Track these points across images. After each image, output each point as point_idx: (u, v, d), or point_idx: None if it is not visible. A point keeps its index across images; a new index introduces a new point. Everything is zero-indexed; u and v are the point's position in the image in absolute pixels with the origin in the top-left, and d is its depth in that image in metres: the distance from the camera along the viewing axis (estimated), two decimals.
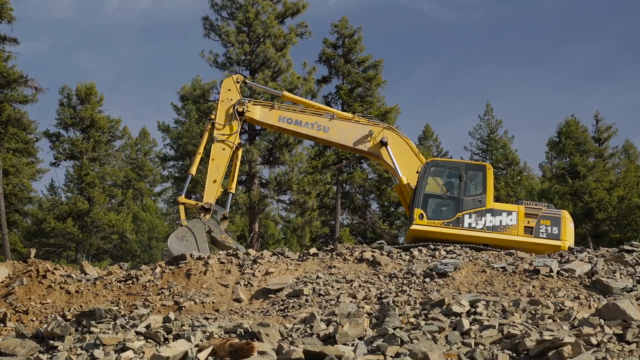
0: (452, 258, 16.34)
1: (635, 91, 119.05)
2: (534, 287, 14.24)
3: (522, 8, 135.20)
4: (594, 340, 10.37)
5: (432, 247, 17.87)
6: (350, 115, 22.37)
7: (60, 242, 45.93)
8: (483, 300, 12.74)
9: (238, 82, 21.99)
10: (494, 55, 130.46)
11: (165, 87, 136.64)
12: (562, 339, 10.14)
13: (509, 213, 19.57)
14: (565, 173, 53.03)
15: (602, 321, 11.22)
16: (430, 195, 19.91)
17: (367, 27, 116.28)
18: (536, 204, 20.05)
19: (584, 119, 53.91)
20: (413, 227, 19.38)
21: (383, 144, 20.95)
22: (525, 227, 19.40)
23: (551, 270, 14.87)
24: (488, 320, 11.66)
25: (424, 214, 19.51)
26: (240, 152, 22.30)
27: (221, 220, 20.83)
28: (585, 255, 16.15)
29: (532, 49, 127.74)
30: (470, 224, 19.37)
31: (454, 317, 12.03)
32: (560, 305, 12.66)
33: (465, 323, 11.55)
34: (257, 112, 21.71)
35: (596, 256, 16.23)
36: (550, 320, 11.73)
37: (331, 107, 42.94)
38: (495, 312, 12.24)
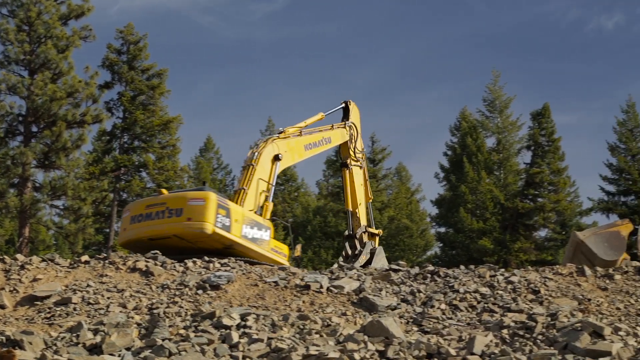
0: (225, 271, 16.39)
1: (409, 116, 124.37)
2: (304, 302, 14.51)
3: (304, 29, 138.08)
4: (357, 356, 10.70)
5: (206, 259, 17.84)
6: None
7: None
8: (254, 313, 12.85)
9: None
10: (277, 72, 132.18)
11: None
12: (327, 354, 10.42)
13: None
14: (340, 191, 54.41)
15: (366, 337, 11.60)
16: None
17: (152, 36, 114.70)
18: None
19: None
20: None
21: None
22: None
23: (321, 286, 15.21)
24: (257, 334, 11.76)
25: None
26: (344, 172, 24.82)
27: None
28: (355, 273, 16.65)
29: (313, 70, 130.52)
30: None
31: (224, 330, 12.05)
32: (328, 320, 12.96)
33: (235, 336, 11.60)
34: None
35: (365, 274, 16.77)
36: (318, 335, 11.99)
37: (112, 113, 42.37)
38: (265, 325, 12.38)
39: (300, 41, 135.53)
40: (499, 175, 51.81)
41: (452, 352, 11.04)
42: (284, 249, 20.65)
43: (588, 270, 17.21)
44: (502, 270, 17.65)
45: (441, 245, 52.87)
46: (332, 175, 57.48)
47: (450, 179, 51.25)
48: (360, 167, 24.82)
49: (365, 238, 23.97)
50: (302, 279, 15.75)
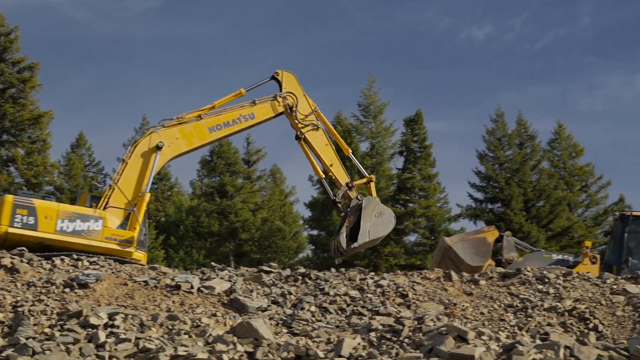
0: (94, 269, 16.11)
1: (284, 118, 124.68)
2: (173, 302, 14.40)
3: (181, 28, 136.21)
4: (226, 357, 10.70)
5: (75, 257, 17.52)
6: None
7: None
8: (122, 313, 12.67)
9: None
10: (153, 70, 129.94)
11: None
12: (196, 355, 10.37)
13: None
14: (214, 192, 54.25)
15: (235, 339, 11.60)
16: None
17: (24, 29, 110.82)
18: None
19: (236, 141, 55.47)
20: None
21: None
22: None
23: (192, 287, 15.13)
24: (125, 334, 11.61)
25: None
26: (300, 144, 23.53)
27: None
28: (226, 274, 16.61)
29: (189, 69, 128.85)
30: None
31: (90, 329, 11.84)
32: (198, 321, 12.90)
33: (102, 336, 11.41)
34: None
35: (236, 275, 16.77)
36: (187, 336, 11.92)
37: None
38: (133, 325, 12.22)
39: (177, 39, 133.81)
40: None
41: (321, 354, 11.15)
42: (127, 235, 20.38)
43: (454, 276, 17.68)
44: (372, 273, 17.94)
45: (313, 247, 53.14)
46: (206, 175, 57.14)
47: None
48: (317, 129, 23.48)
49: (353, 194, 23.07)
50: (172, 279, 15.63)
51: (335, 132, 24.77)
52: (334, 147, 23.76)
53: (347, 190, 23.10)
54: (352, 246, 21.79)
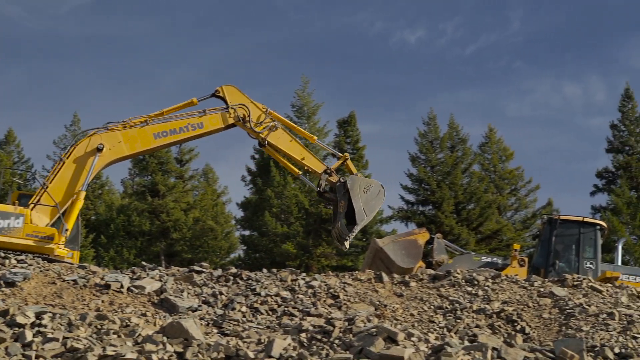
0: (22, 267, 15.85)
1: None
2: (103, 301, 14.24)
3: (113, 26, 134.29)
4: (155, 357, 10.60)
5: (2, 255, 17.24)
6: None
7: None
8: (50, 312, 12.49)
9: None
10: (84, 68, 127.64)
11: None
12: (125, 355, 10.28)
13: None
14: (145, 190, 53.80)
15: (165, 339, 11.52)
16: None
17: None
18: None
19: None
20: None
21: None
22: None
23: (122, 286, 14.99)
24: (52, 333, 11.43)
25: None
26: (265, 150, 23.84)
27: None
28: (157, 273, 16.50)
29: (121, 67, 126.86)
30: None
31: (17, 328, 11.64)
32: (127, 321, 12.77)
33: (29, 335, 11.22)
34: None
35: (167, 275, 16.66)
36: (115, 336, 11.80)
37: None
38: (61, 325, 12.05)
39: (109, 37, 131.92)
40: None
41: (251, 354, 11.13)
42: (49, 232, 20.18)
43: (385, 277, 17.82)
44: (304, 274, 17.98)
45: (245, 248, 52.99)
46: (137, 173, 56.60)
47: (257, 183, 51.48)
48: (275, 129, 22.83)
49: (334, 179, 22.98)
50: (102, 278, 15.46)
51: (295, 125, 24.68)
52: (299, 141, 23.42)
53: (328, 177, 23.02)
54: (353, 230, 21.93)
